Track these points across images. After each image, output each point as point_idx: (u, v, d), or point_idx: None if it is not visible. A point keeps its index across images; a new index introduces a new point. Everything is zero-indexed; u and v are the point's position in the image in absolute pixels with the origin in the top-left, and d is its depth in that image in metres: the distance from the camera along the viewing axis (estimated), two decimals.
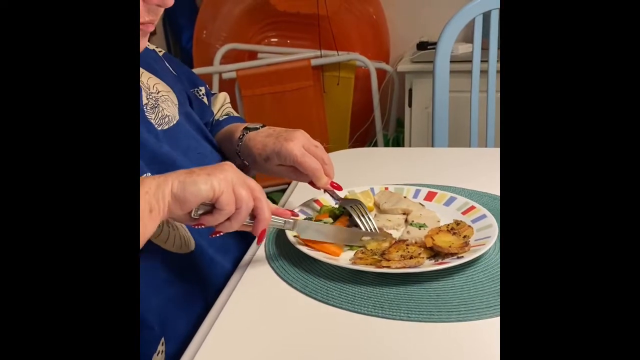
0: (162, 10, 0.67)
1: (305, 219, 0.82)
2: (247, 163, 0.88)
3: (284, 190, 1.07)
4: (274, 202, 0.78)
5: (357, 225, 0.78)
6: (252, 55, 2.37)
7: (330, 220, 0.82)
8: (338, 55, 2.25)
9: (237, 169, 0.66)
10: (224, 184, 0.62)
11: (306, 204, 0.86)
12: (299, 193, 0.96)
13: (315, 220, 0.82)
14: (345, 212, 0.82)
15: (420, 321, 0.60)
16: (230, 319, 0.63)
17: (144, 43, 0.69)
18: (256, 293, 0.68)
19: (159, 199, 0.60)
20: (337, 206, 0.84)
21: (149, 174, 0.70)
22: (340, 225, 0.79)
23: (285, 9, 2.26)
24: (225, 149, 0.92)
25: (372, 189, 0.89)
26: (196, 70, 2.21)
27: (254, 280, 0.70)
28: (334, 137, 2.36)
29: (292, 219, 0.73)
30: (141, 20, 0.65)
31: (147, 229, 0.60)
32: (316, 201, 0.87)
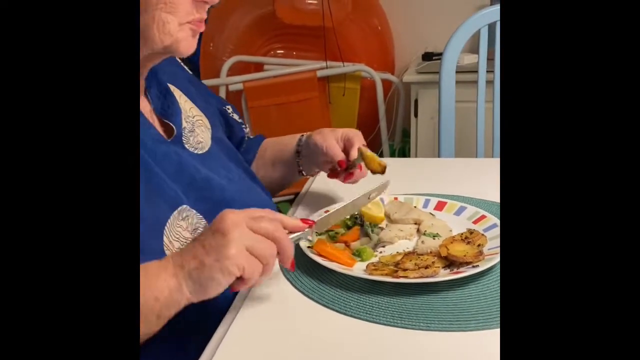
0: (207, 6, 0.68)
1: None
2: (302, 168, 0.93)
3: (290, 201, 1.07)
4: (281, 212, 0.78)
5: (367, 234, 0.80)
6: (259, 67, 2.38)
7: (343, 230, 0.82)
8: (343, 66, 2.27)
9: (240, 216, 0.59)
10: (240, 259, 0.57)
11: (317, 216, 0.86)
12: (306, 204, 0.97)
13: (328, 231, 0.82)
14: (358, 223, 0.83)
15: (440, 330, 0.60)
16: (244, 330, 0.63)
17: (194, 43, 0.69)
18: (271, 303, 0.68)
19: (170, 307, 0.58)
20: (348, 217, 0.85)
21: (185, 202, 0.70)
22: (353, 230, 0.81)
23: (291, 21, 2.27)
24: (277, 159, 0.97)
25: (381, 199, 0.90)
26: (203, 82, 2.23)
27: (268, 290, 0.70)
28: None
29: (308, 229, 0.72)
30: (189, 18, 0.66)
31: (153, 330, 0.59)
32: (326, 212, 0.87)
